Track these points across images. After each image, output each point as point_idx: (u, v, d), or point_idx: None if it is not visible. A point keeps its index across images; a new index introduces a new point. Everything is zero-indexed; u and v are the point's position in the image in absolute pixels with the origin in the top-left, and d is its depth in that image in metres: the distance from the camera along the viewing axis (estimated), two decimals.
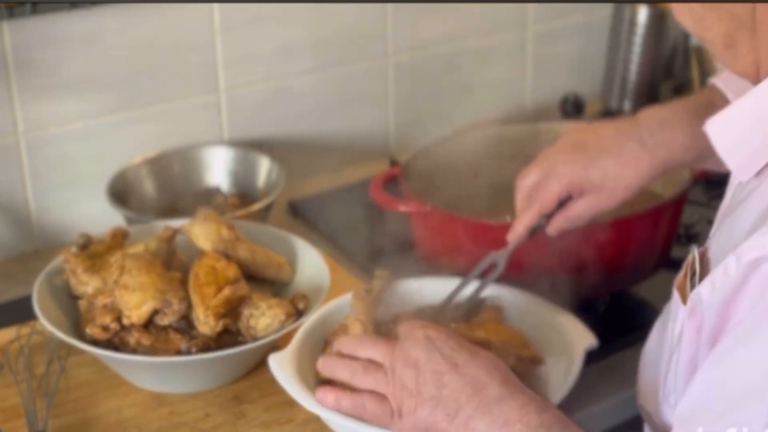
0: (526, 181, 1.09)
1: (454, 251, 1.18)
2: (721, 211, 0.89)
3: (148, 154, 1.44)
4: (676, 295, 0.83)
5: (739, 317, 0.74)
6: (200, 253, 1.14)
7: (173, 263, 1.16)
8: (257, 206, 1.33)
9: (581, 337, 1.04)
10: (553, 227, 1.08)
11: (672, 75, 1.77)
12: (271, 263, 1.18)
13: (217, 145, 1.48)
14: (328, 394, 0.92)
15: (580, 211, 1.07)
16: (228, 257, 1.13)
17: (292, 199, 1.50)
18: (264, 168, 1.44)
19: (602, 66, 1.77)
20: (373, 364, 0.90)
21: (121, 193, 1.37)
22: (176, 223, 1.21)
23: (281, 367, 1.01)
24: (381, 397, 0.88)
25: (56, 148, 1.38)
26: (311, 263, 1.20)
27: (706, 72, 1.71)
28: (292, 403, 1.00)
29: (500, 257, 1.10)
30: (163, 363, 1.06)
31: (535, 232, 1.09)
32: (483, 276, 1.11)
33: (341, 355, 0.94)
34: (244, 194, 1.44)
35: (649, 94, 1.73)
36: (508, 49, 1.71)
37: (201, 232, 1.16)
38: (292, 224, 1.44)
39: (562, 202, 1.07)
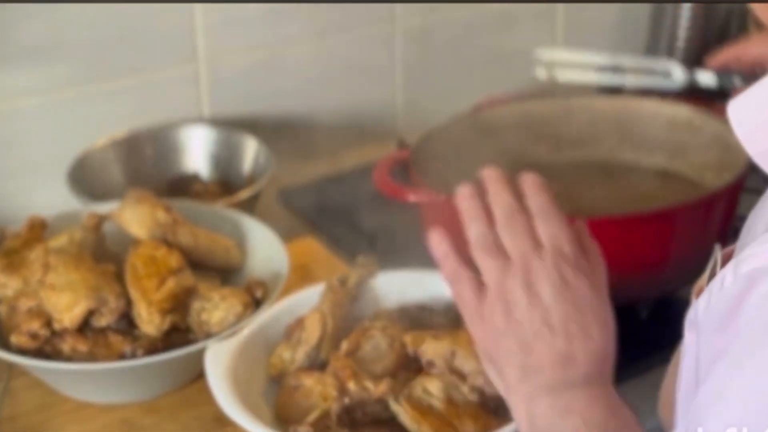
0: None
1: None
2: (757, 205, 0.89)
3: (115, 135, 1.44)
4: (693, 300, 0.83)
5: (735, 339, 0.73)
6: (134, 242, 1.14)
7: (102, 255, 1.16)
8: (242, 195, 1.33)
9: None
10: None
11: (727, 42, 1.76)
12: (217, 247, 1.19)
13: (196, 125, 1.48)
14: (443, 244, 0.90)
15: None
16: (168, 244, 1.14)
17: (283, 187, 1.50)
18: (250, 151, 1.44)
19: (645, 32, 1.77)
20: (501, 247, 0.88)
21: (83, 179, 1.37)
22: (103, 208, 1.21)
23: (217, 363, 1.02)
24: (480, 286, 0.87)
25: (8, 127, 1.38)
26: (264, 245, 1.21)
27: None
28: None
29: None
30: (108, 370, 1.06)
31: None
32: None
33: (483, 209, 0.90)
34: (228, 181, 1.44)
35: (699, 64, 1.73)
36: (536, 11, 1.71)
37: (133, 218, 1.16)
38: (283, 216, 1.44)
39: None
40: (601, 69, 1.39)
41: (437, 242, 0.91)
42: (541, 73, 1.40)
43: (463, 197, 0.91)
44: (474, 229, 0.89)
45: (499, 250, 0.88)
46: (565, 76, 1.39)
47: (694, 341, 0.79)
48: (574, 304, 0.87)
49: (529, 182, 0.91)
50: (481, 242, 0.89)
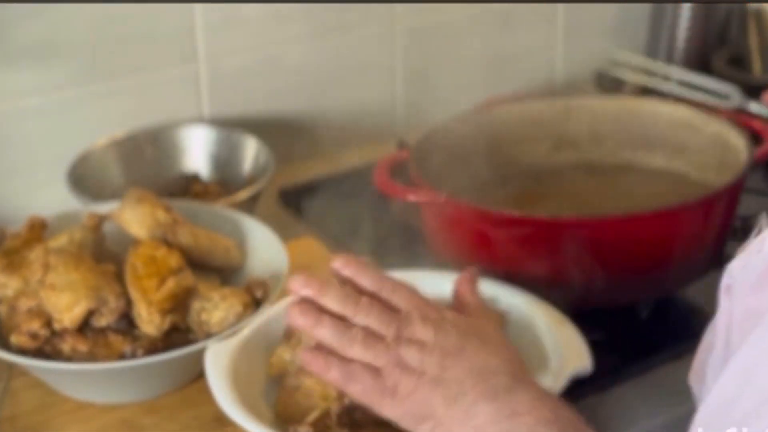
0: None
1: (473, 248, 1.18)
2: None
3: (115, 135, 1.43)
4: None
5: None
6: (134, 242, 1.14)
7: (102, 255, 1.16)
8: (242, 195, 1.33)
9: (574, 358, 1.02)
10: None
11: (726, 43, 1.76)
12: (217, 247, 1.19)
13: (196, 125, 1.48)
14: (318, 358, 0.91)
15: None
16: (168, 244, 1.14)
17: (283, 187, 1.50)
18: (250, 151, 1.44)
19: (645, 32, 1.77)
20: (372, 335, 0.90)
21: (83, 179, 1.36)
22: (103, 208, 1.21)
23: (217, 363, 1.02)
24: (375, 370, 0.89)
25: (7, 127, 1.38)
26: (264, 245, 1.21)
27: (766, 39, 1.71)
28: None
29: None
30: (108, 370, 1.06)
31: None
32: None
33: (332, 315, 0.92)
34: (227, 181, 1.44)
35: (699, 65, 1.73)
36: (536, 12, 1.71)
37: (134, 217, 1.16)
38: (283, 216, 1.44)
39: None
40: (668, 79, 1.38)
41: (311, 361, 0.91)
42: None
43: (295, 315, 0.92)
44: (332, 335, 0.91)
45: (367, 336, 0.90)
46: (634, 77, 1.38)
47: (728, 305, 0.78)
48: (458, 329, 0.90)
49: (343, 264, 0.95)
50: (347, 341, 0.90)
